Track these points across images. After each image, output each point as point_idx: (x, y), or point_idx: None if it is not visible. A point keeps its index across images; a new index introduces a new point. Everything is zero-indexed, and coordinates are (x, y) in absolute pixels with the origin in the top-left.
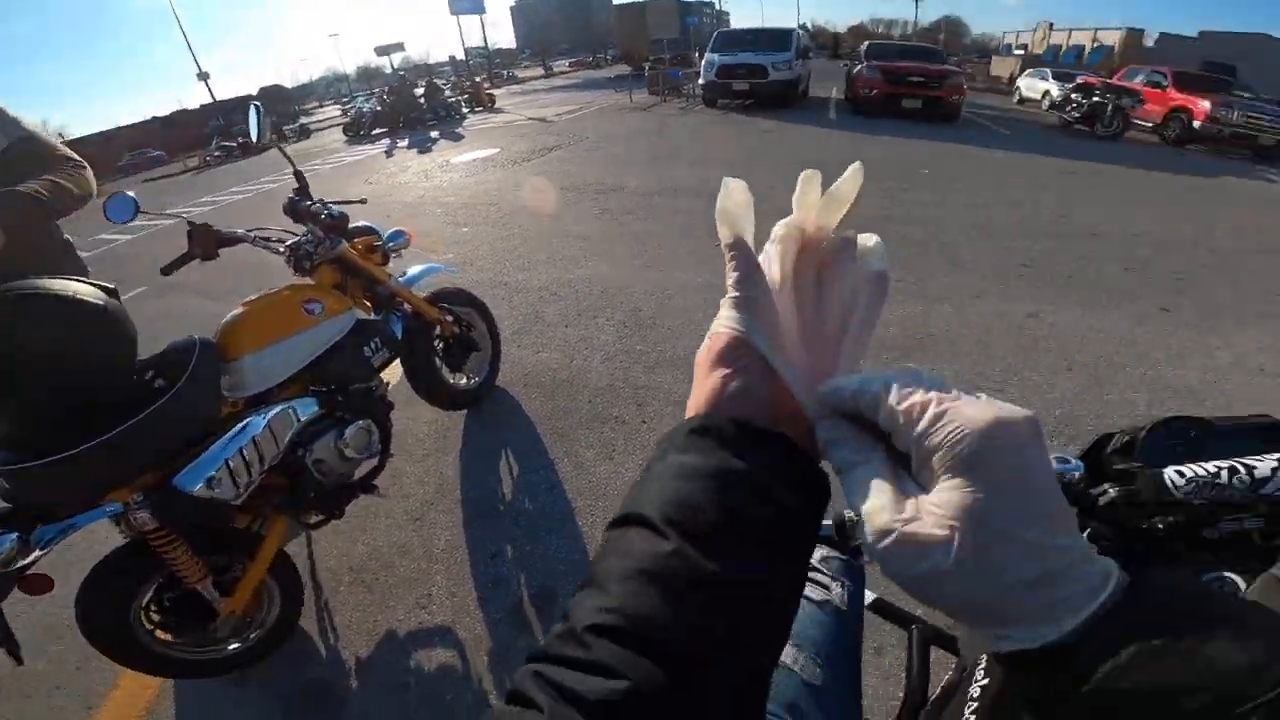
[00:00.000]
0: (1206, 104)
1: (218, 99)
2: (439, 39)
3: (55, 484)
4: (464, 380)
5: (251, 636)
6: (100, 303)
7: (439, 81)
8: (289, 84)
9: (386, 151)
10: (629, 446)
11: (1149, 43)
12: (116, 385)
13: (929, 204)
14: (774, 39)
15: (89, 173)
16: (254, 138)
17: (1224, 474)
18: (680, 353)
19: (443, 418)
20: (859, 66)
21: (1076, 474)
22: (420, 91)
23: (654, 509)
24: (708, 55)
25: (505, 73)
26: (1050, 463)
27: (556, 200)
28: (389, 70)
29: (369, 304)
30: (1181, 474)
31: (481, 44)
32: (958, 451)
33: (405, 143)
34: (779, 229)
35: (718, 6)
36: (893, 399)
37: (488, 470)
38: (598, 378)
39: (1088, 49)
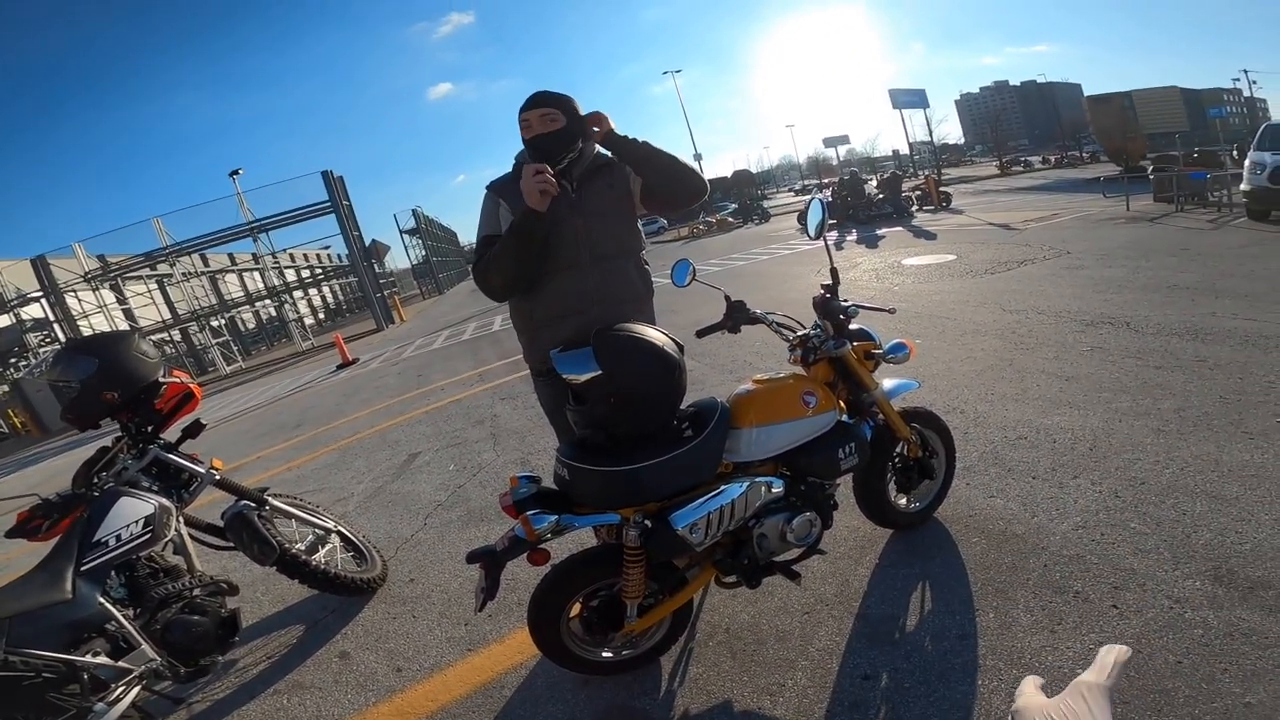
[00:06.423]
0: None
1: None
2: (884, 132)
3: (598, 487)
4: (904, 502)
5: (624, 653)
6: (678, 357)
7: (898, 173)
8: (754, 169)
9: (837, 244)
10: (1081, 627)
11: None
12: (666, 425)
13: None
14: None
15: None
16: (810, 233)
17: None
18: (1196, 546)
19: (866, 526)
20: None
21: None
22: (874, 185)
23: None
24: (1254, 154)
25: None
26: None
27: (1029, 326)
28: (834, 161)
29: (844, 406)
30: None
31: (927, 138)
32: None
33: (853, 236)
34: None
35: (1248, 93)
36: None
37: (897, 595)
38: (1064, 544)
39: None
